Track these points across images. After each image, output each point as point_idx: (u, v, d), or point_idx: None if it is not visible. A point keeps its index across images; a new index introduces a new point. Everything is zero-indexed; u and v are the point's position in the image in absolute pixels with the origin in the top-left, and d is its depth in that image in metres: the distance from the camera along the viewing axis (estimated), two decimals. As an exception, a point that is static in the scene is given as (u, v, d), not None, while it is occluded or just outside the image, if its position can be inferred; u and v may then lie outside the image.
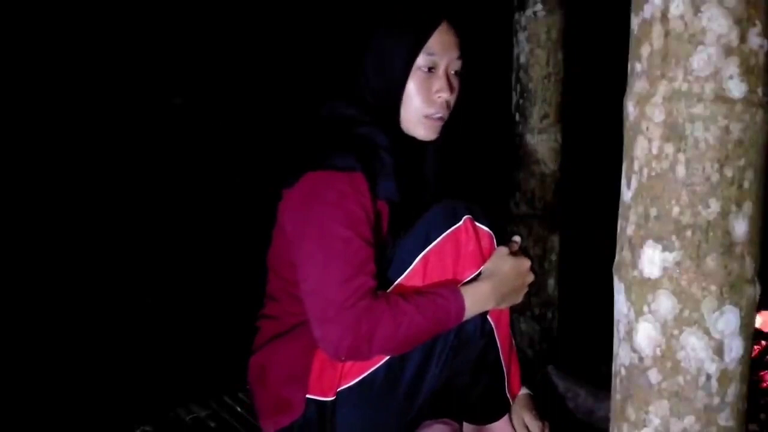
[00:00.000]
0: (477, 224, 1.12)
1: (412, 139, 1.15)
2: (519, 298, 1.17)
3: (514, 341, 1.26)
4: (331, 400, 1.10)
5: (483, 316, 1.15)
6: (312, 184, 1.03)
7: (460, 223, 1.10)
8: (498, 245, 1.17)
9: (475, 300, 1.09)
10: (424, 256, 1.09)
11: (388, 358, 1.09)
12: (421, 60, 1.08)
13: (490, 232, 1.15)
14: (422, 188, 1.19)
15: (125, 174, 2.55)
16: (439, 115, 1.12)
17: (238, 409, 1.53)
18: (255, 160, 2.52)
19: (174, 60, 2.57)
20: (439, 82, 1.10)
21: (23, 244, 2.31)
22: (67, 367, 1.83)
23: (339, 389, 1.10)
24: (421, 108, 1.10)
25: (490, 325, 1.17)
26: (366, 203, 1.04)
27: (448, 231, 1.10)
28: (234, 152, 2.60)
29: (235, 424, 1.47)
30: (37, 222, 2.36)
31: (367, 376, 1.09)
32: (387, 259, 1.11)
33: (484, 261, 1.13)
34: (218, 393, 1.59)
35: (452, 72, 1.12)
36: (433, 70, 1.09)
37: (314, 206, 1.03)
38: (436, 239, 1.09)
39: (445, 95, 1.10)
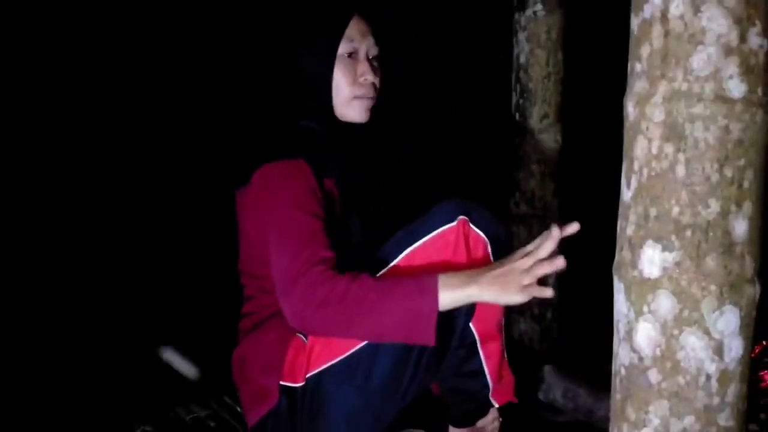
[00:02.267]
0: (472, 228, 1.09)
1: (349, 126, 1.22)
2: (513, 294, 0.99)
3: (505, 352, 1.24)
4: (301, 386, 1.10)
5: (466, 324, 1.13)
6: (259, 180, 1.10)
7: (453, 224, 1.08)
8: (500, 252, 1.11)
9: (451, 280, 1.00)
10: (409, 252, 1.09)
11: (358, 347, 1.08)
12: (343, 47, 1.18)
13: (485, 239, 1.10)
14: (374, 173, 1.26)
15: (126, 174, 2.54)
16: (367, 95, 1.20)
17: (238, 409, 1.53)
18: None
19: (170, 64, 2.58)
20: (362, 66, 1.19)
21: (23, 244, 2.31)
22: (68, 367, 1.83)
23: (308, 375, 1.10)
24: (350, 91, 1.19)
25: (473, 335, 1.15)
26: (311, 183, 1.09)
27: (437, 230, 1.09)
28: (234, 152, 2.60)
29: (235, 424, 1.47)
30: (37, 223, 2.36)
31: (335, 363, 1.09)
32: (347, 241, 1.14)
33: (470, 266, 1.07)
34: (218, 393, 1.59)
35: (371, 57, 1.22)
36: (354, 56, 1.19)
37: (264, 197, 1.09)
38: (425, 236, 1.09)
39: (370, 77, 1.19)
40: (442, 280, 1.00)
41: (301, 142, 1.13)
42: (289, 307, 1.03)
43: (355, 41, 1.18)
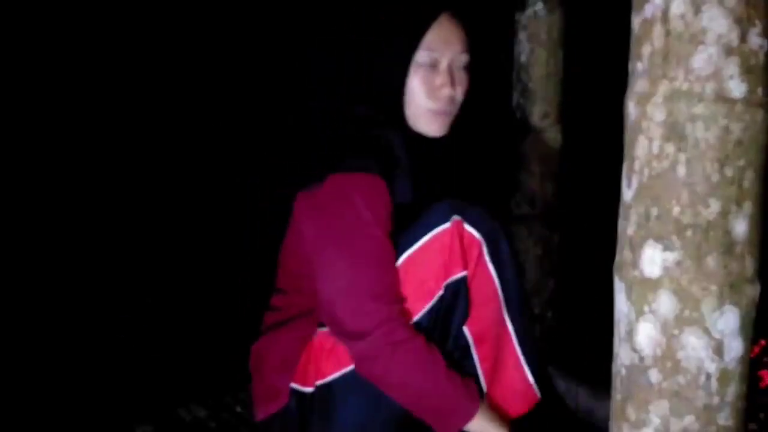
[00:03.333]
0: (466, 228, 1.08)
1: (424, 138, 1.13)
2: None
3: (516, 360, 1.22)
4: (311, 392, 1.10)
5: (460, 327, 1.13)
6: (334, 187, 1.02)
7: (447, 225, 1.07)
8: (498, 249, 1.12)
9: (489, 419, 1.06)
10: (407, 256, 1.07)
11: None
12: (421, 56, 1.06)
13: (480, 238, 1.09)
14: (434, 187, 1.17)
15: (126, 173, 2.55)
16: (444, 110, 1.10)
17: (238, 409, 1.53)
18: (256, 160, 2.52)
19: (174, 60, 2.58)
20: (441, 78, 1.08)
21: (23, 244, 2.31)
22: (68, 366, 1.83)
23: (318, 383, 1.10)
24: (425, 103, 1.09)
25: (466, 339, 1.15)
26: (388, 205, 1.04)
27: (432, 232, 1.07)
28: (235, 151, 2.60)
29: (235, 424, 1.47)
30: (37, 222, 2.36)
31: (345, 373, 1.08)
32: None
33: (465, 267, 1.08)
34: (218, 393, 1.59)
35: (457, 66, 1.10)
36: (434, 66, 1.08)
37: (338, 210, 1.02)
38: (420, 240, 1.07)
39: (447, 91, 1.08)
40: (483, 409, 1.06)
41: (377, 154, 1.05)
42: (364, 332, 1.00)
43: (436, 51, 1.06)
